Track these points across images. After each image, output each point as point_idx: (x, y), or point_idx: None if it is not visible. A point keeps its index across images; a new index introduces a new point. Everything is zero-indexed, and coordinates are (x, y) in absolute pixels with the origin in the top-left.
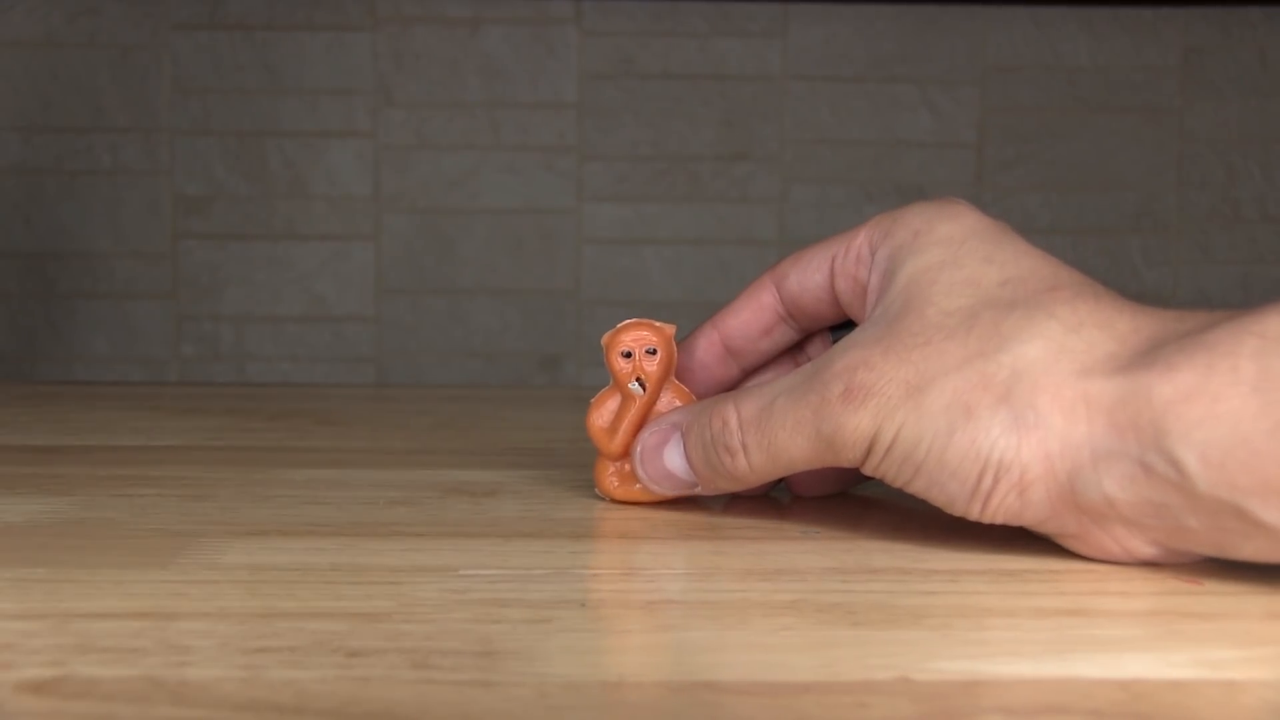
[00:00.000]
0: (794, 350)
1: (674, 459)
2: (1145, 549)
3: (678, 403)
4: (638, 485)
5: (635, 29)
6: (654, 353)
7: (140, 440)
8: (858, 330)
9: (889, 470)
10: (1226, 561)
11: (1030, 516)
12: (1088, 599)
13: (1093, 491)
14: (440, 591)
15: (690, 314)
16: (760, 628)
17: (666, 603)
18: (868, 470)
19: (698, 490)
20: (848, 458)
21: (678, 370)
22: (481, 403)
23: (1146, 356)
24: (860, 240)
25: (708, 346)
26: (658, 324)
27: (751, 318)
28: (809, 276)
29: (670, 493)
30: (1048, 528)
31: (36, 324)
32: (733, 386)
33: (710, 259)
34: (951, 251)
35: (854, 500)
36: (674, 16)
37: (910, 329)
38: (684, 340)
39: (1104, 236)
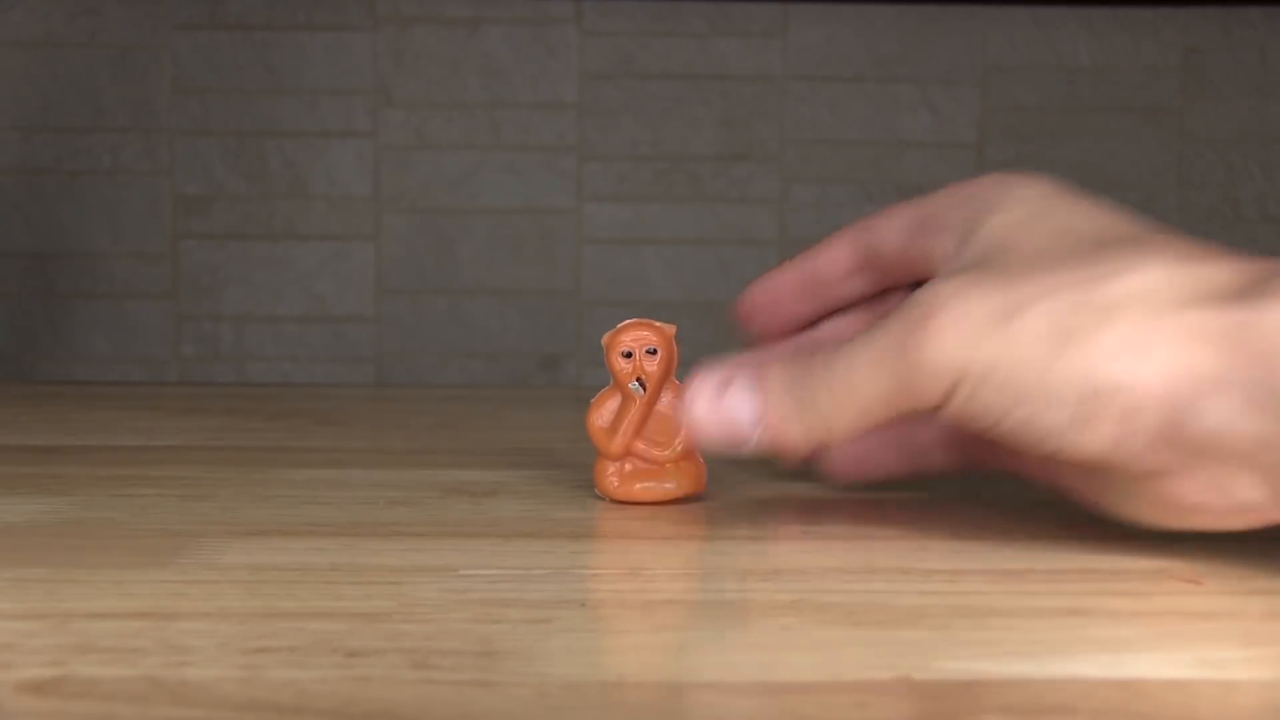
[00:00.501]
0: (871, 304)
1: (739, 398)
2: (1248, 492)
3: (678, 403)
4: (639, 485)
5: (635, 29)
6: (654, 353)
7: (140, 440)
8: (938, 275)
9: (979, 405)
10: (1226, 561)
11: (1128, 448)
12: (1088, 599)
13: (1201, 422)
14: (440, 591)
15: (690, 314)
16: (760, 628)
17: (666, 603)
18: (951, 410)
19: (750, 446)
20: (930, 393)
21: (751, 309)
22: (481, 403)
23: (1258, 287)
24: (939, 204)
25: (786, 281)
26: (658, 324)
27: (832, 262)
28: (891, 234)
29: (720, 438)
30: (1143, 463)
31: (36, 324)
32: (805, 326)
33: (710, 259)
34: (1034, 207)
35: (854, 500)
36: (674, 16)
37: (998, 266)
38: (762, 277)
39: None
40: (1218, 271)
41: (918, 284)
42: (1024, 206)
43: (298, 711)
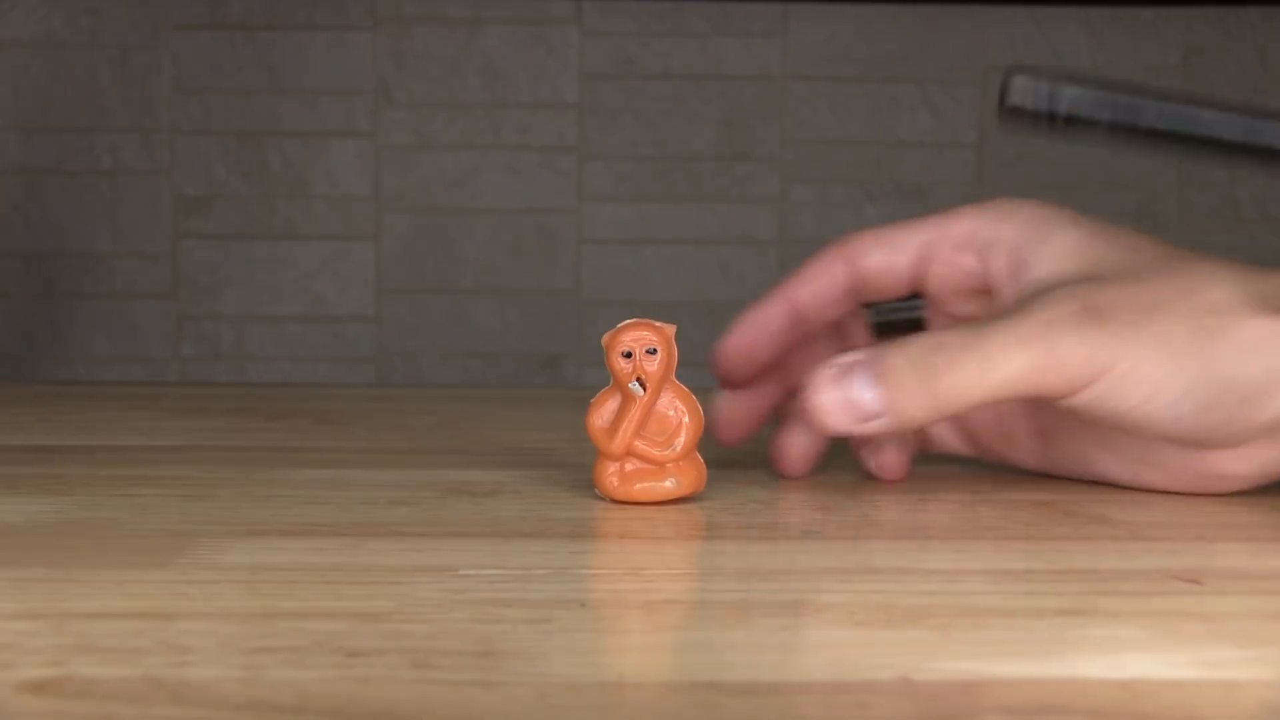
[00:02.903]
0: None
1: (860, 386)
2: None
3: (678, 403)
4: (639, 485)
5: (635, 29)
6: (654, 353)
7: (140, 440)
8: (1047, 282)
9: (1117, 393)
10: (1226, 561)
11: (1222, 429)
12: (1088, 599)
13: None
14: (440, 591)
15: (690, 314)
16: (760, 628)
17: (666, 603)
18: (1086, 397)
19: (877, 425)
20: (1071, 381)
21: (736, 343)
22: (481, 403)
23: None
24: (964, 228)
25: (777, 315)
26: (658, 324)
27: (823, 289)
28: (896, 258)
29: (848, 425)
30: (1221, 440)
31: (36, 324)
32: (789, 355)
33: (710, 259)
34: (1089, 229)
35: (854, 500)
36: (674, 16)
37: (1110, 272)
38: (749, 311)
39: None
40: (1272, 285)
41: (867, 303)
42: (1081, 228)
43: (298, 711)
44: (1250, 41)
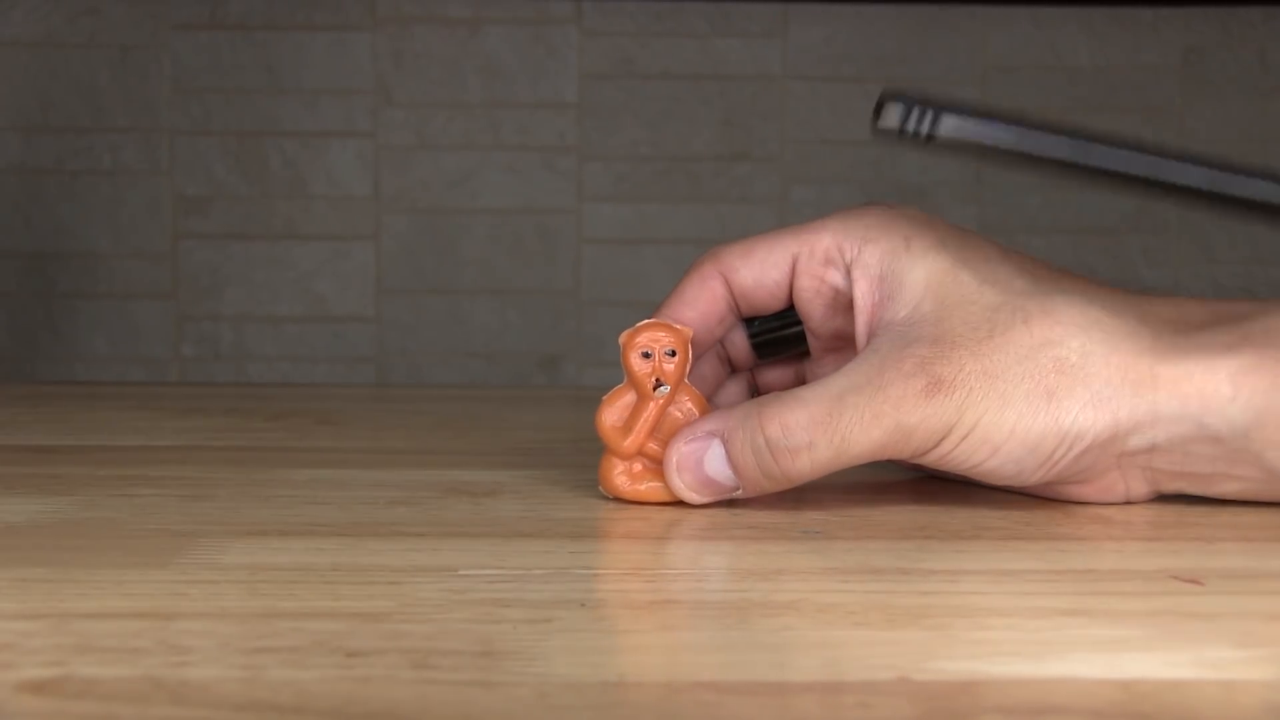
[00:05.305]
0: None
1: (715, 465)
2: (1140, 488)
3: (690, 404)
4: (645, 485)
5: (635, 29)
6: (673, 355)
7: (140, 440)
8: (904, 329)
9: (961, 454)
10: (1226, 561)
11: (1073, 470)
12: (1088, 599)
13: (1144, 441)
14: (440, 591)
15: None
16: (760, 628)
17: (666, 603)
18: (933, 457)
19: (738, 494)
20: (918, 447)
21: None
22: (481, 403)
23: (1201, 337)
24: (827, 242)
25: None
26: (677, 325)
27: (709, 309)
28: (766, 273)
29: (709, 499)
30: (1070, 478)
31: (36, 324)
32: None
33: None
34: (954, 254)
35: (854, 501)
36: (674, 16)
37: (964, 326)
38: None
39: (1104, 236)
40: (1144, 317)
41: (748, 319)
42: (946, 253)
43: (298, 711)
44: (1250, 41)
